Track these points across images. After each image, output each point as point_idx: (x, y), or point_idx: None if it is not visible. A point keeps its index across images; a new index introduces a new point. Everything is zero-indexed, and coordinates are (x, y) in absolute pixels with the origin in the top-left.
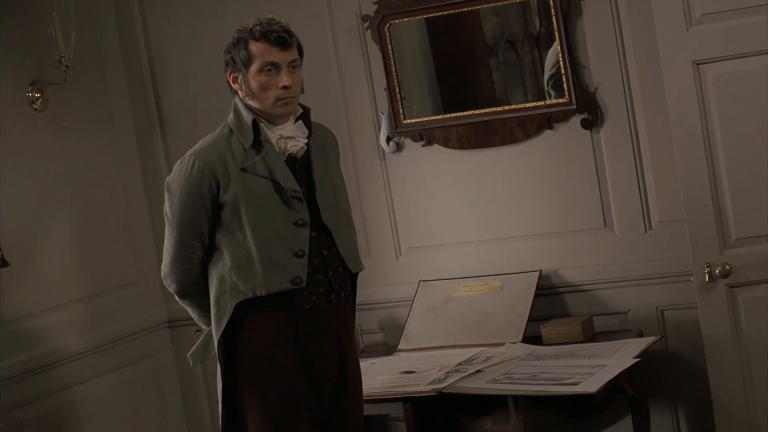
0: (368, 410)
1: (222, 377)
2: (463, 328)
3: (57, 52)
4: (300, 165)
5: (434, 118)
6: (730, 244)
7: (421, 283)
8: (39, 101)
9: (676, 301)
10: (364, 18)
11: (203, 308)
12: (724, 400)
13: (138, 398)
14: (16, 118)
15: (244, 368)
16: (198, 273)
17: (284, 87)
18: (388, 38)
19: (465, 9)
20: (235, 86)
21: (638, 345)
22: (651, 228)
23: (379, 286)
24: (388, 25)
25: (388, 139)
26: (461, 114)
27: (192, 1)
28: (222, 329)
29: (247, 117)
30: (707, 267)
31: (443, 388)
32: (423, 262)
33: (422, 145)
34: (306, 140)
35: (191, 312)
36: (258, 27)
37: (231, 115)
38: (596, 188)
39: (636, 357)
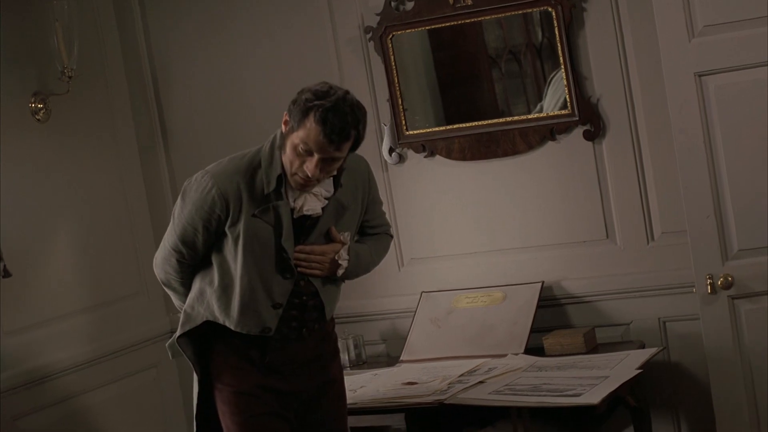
0: (370, 421)
1: (197, 382)
2: (466, 339)
3: (60, 63)
4: (309, 222)
5: (437, 129)
6: (732, 255)
7: (423, 294)
8: (42, 112)
9: (678, 312)
10: (367, 29)
11: (184, 300)
12: (726, 411)
13: (140, 409)
14: (19, 129)
15: (215, 377)
16: (185, 273)
17: (308, 174)
18: (390, 50)
19: (467, 20)
20: (283, 127)
21: (640, 356)
22: (653, 239)
23: (381, 297)
24: (390, 36)
25: (391, 151)
26: (464, 125)
27: (195, 12)
28: (183, 332)
29: (277, 167)
30: (709, 278)
31: (445, 399)
32: (425, 274)
33: (425, 157)
34: (326, 200)
35: (173, 299)
36: (327, 112)
37: (267, 147)
38: (598, 199)
39: (638, 368)
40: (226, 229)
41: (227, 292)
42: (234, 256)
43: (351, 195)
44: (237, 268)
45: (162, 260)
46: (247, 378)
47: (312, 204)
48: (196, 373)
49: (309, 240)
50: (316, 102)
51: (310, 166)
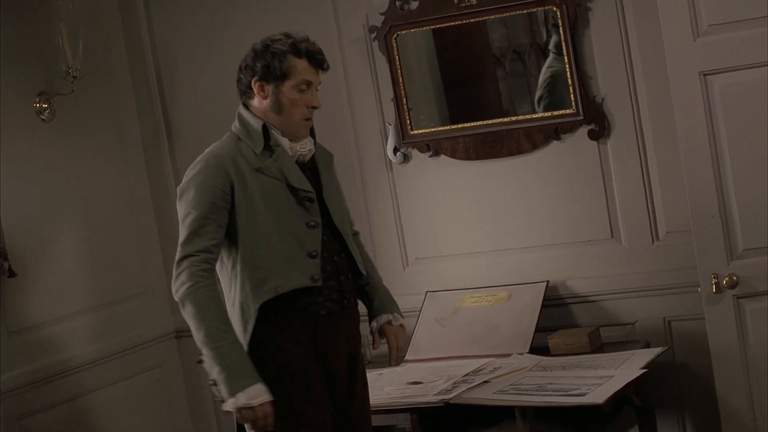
0: (376, 421)
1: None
2: (470, 338)
3: (65, 63)
4: (308, 169)
5: (441, 128)
6: (737, 254)
7: (428, 293)
8: (47, 112)
9: (683, 311)
10: (372, 29)
11: (217, 318)
12: (731, 410)
13: (145, 408)
14: (24, 129)
15: (273, 375)
16: (214, 274)
17: (313, 107)
18: (395, 49)
19: (472, 20)
20: (260, 95)
21: (645, 356)
22: (658, 239)
23: None
24: (395, 36)
25: (396, 150)
26: (468, 125)
27: (199, 11)
28: (250, 334)
29: (255, 123)
30: (714, 278)
31: (450, 398)
32: (430, 273)
33: (429, 156)
34: (313, 146)
35: (198, 324)
36: (303, 44)
37: (236, 123)
38: (603, 199)
39: (643, 368)
40: (236, 198)
41: (264, 260)
42: (255, 224)
43: (327, 156)
44: (264, 232)
45: (189, 276)
46: (303, 364)
47: (301, 145)
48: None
49: (323, 189)
50: (284, 44)
51: (313, 98)
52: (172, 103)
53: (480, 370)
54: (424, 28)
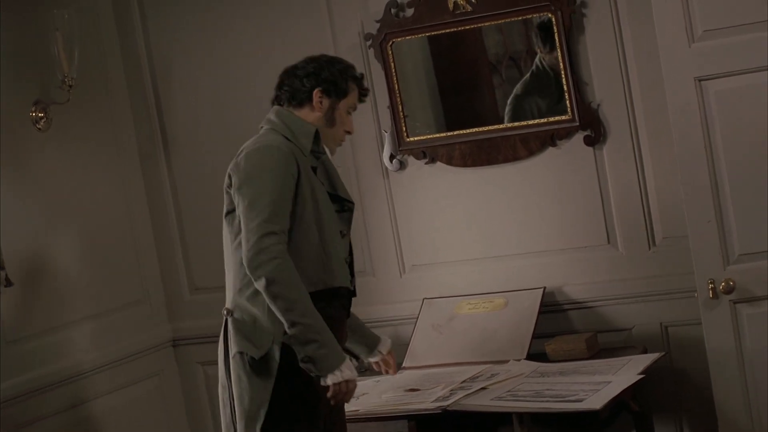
0: (373, 428)
1: (266, 389)
2: (468, 345)
3: (60, 72)
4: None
5: (437, 135)
6: (733, 260)
7: (425, 300)
8: (42, 121)
9: (680, 317)
10: (367, 36)
11: (307, 296)
12: (728, 416)
13: (143, 417)
14: (20, 138)
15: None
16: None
17: (348, 132)
18: (390, 56)
19: (467, 27)
20: (317, 105)
21: (642, 361)
22: (654, 244)
23: (383, 303)
24: (390, 43)
25: (392, 157)
26: (464, 132)
27: (195, 20)
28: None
29: (308, 126)
30: (711, 283)
31: (448, 405)
32: (427, 280)
33: (425, 163)
34: None
35: (292, 300)
36: (358, 73)
37: (277, 121)
38: (599, 205)
39: (640, 373)
40: (299, 188)
41: (317, 255)
42: (310, 218)
43: None
44: (316, 229)
45: (279, 252)
46: None
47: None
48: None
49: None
50: (352, 70)
51: (352, 125)
52: (168, 111)
53: (477, 377)
54: (420, 35)
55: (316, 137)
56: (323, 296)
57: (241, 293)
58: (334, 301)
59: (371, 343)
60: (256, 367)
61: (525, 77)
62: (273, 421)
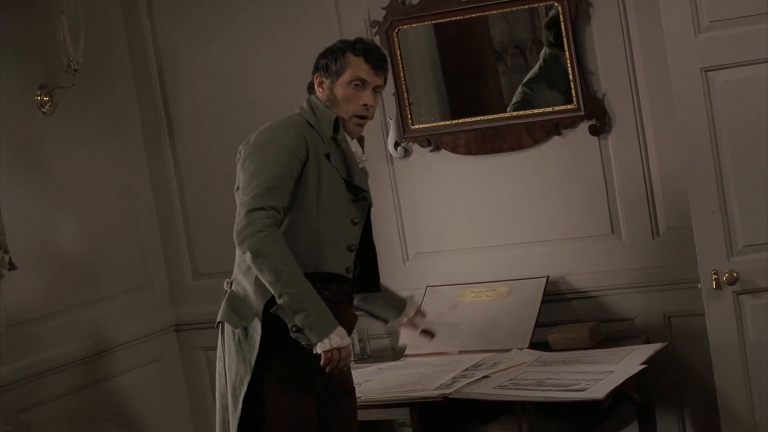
0: (375, 415)
1: (248, 360)
2: (470, 333)
3: (66, 56)
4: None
5: (442, 123)
6: (737, 251)
7: (428, 288)
8: (47, 105)
9: (683, 307)
10: (373, 23)
11: (293, 265)
12: (730, 406)
13: (145, 402)
14: (25, 122)
15: (288, 348)
16: (279, 229)
17: (365, 104)
18: (396, 44)
19: (473, 15)
20: (319, 90)
21: (645, 351)
22: (658, 234)
23: None
24: (396, 30)
25: (396, 145)
26: (469, 120)
27: (201, 5)
28: (267, 300)
29: (329, 113)
30: (714, 274)
31: (450, 393)
32: (430, 268)
33: (430, 151)
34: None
35: (276, 271)
36: (360, 44)
37: (306, 108)
38: (604, 195)
39: (643, 363)
40: (305, 170)
41: (312, 239)
42: (313, 202)
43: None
44: (318, 213)
45: (263, 225)
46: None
47: (360, 154)
48: (250, 358)
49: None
50: (347, 44)
51: (367, 97)
52: (173, 96)
53: (480, 365)
54: (426, 23)
55: (336, 124)
56: (318, 278)
57: (239, 267)
58: (332, 285)
59: (398, 306)
60: (242, 339)
61: (533, 71)
62: (262, 393)
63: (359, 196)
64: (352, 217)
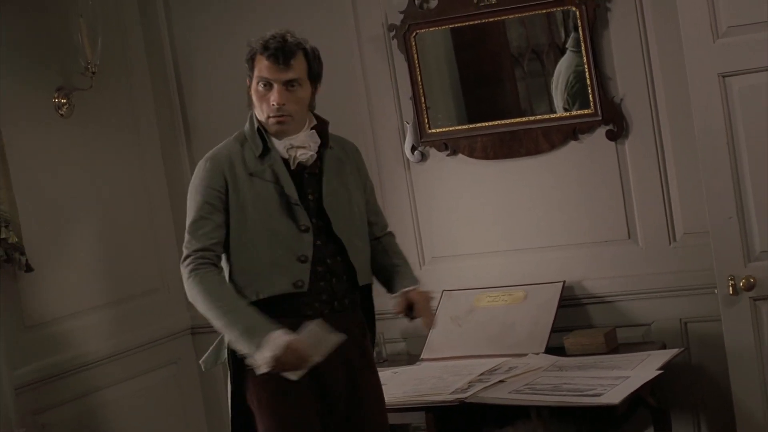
0: (391, 419)
1: (231, 381)
2: (486, 338)
3: (83, 59)
4: (309, 173)
5: (459, 128)
6: (754, 256)
7: (444, 292)
8: (65, 107)
9: (699, 313)
10: (391, 27)
11: (221, 294)
12: (747, 412)
13: (160, 404)
14: (43, 124)
15: (253, 372)
16: (213, 267)
17: (276, 104)
18: (414, 48)
19: (491, 19)
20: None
21: (661, 357)
22: (675, 240)
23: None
24: (414, 34)
25: (413, 149)
26: (486, 124)
27: (218, 6)
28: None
29: (253, 122)
30: (731, 280)
31: (466, 397)
32: (446, 272)
33: (447, 155)
34: (317, 150)
35: (208, 307)
36: (261, 41)
37: (247, 124)
38: (621, 200)
39: (659, 369)
40: (230, 199)
41: (249, 264)
42: (245, 227)
43: (345, 160)
44: (252, 236)
45: (190, 270)
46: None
47: (303, 152)
48: (231, 375)
49: (323, 194)
50: (257, 41)
51: (274, 96)
52: (189, 98)
53: (495, 370)
54: (443, 27)
55: (262, 137)
56: (267, 306)
57: None
58: (284, 304)
59: (403, 283)
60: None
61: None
62: (245, 418)
63: (293, 201)
64: (298, 225)
